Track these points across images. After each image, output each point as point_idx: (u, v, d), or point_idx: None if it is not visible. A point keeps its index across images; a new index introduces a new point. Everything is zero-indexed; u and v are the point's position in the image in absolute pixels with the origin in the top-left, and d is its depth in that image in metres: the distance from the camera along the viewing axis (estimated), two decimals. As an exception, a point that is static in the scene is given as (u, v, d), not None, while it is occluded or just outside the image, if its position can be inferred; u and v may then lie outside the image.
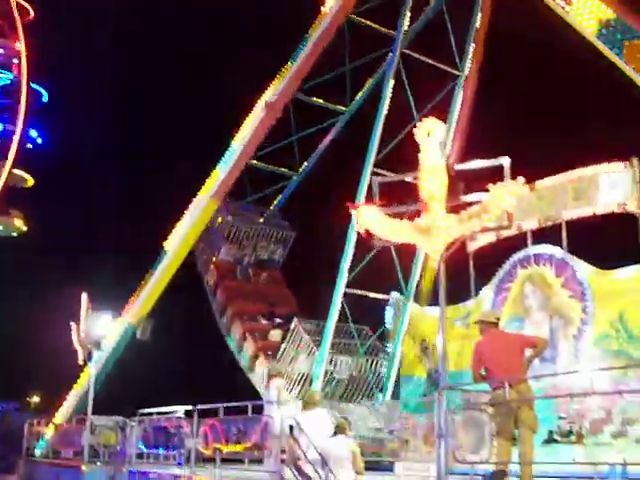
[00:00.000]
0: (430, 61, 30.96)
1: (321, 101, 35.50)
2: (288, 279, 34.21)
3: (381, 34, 33.47)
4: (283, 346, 27.84)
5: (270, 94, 32.46)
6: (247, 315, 30.10)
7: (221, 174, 32.33)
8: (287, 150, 35.28)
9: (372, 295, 29.91)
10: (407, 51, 30.47)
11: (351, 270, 28.42)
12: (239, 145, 32.36)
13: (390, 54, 31.75)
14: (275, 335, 28.62)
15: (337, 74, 34.51)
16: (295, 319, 26.61)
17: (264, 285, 32.15)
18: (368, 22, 33.37)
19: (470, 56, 31.89)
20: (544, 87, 29.08)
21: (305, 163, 36.28)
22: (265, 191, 35.59)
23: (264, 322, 30.06)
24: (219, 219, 33.32)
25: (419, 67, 30.54)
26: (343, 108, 35.91)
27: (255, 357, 29.02)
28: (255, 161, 34.55)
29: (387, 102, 30.23)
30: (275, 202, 36.27)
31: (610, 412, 16.89)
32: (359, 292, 29.06)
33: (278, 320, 29.75)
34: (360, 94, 35.82)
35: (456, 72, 31.57)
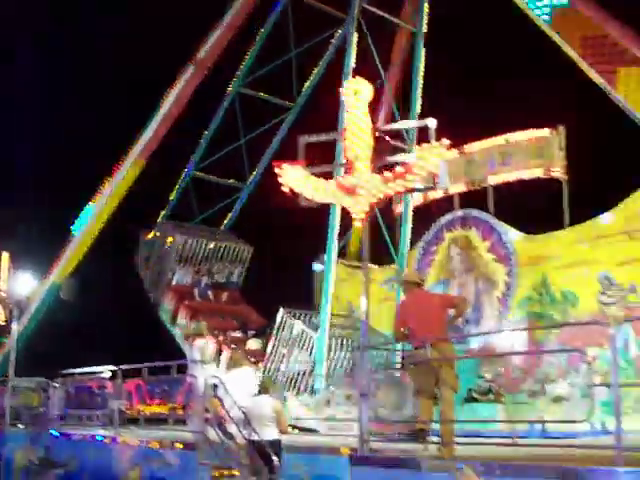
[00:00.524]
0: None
1: (266, 95, 32.85)
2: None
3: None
4: (271, 345, 25.81)
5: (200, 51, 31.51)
6: (217, 330, 28.46)
7: (147, 134, 31.63)
8: (235, 158, 32.91)
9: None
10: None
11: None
12: (166, 105, 31.65)
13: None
14: (253, 343, 26.76)
15: (283, 62, 31.74)
16: (281, 309, 25.14)
17: (227, 304, 30.52)
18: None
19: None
20: (481, 50, 28.98)
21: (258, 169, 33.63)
22: (214, 208, 33.13)
23: (238, 335, 28.92)
24: (169, 240, 31.30)
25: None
26: (290, 103, 32.96)
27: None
28: (200, 173, 32.81)
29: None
30: (226, 220, 33.79)
31: (529, 372, 17.19)
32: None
33: (252, 332, 28.51)
34: (308, 84, 32.70)
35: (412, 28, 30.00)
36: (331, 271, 24.46)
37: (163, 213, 32.76)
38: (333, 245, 25.24)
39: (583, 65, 14.75)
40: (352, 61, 25.66)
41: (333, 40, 31.24)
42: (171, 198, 33.08)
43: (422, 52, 28.43)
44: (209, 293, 30.01)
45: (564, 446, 10.67)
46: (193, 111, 32.31)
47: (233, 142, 32.25)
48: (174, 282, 30.10)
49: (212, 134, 32.64)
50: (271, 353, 24.34)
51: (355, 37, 26.20)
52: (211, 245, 31.21)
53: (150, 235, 31.80)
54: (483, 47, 28.55)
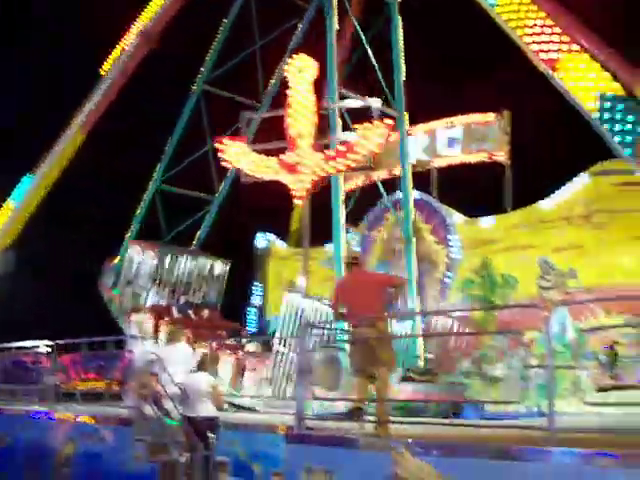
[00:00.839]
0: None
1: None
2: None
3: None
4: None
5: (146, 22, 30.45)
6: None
7: (89, 106, 30.75)
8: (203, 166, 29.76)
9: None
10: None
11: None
12: (109, 75, 30.71)
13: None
14: (251, 346, 25.80)
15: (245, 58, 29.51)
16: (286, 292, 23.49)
17: (209, 320, 28.90)
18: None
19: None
20: (431, 33, 28.97)
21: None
22: (184, 225, 30.38)
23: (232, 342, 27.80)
24: (139, 260, 29.13)
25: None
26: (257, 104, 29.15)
27: None
28: (166, 185, 30.09)
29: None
30: (197, 238, 31.24)
31: (467, 353, 17.33)
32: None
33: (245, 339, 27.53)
34: (274, 80, 29.75)
35: None
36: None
37: (129, 234, 30.34)
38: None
39: (527, 51, 14.84)
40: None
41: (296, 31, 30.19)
42: (137, 214, 30.51)
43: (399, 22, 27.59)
44: (189, 312, 28.37)
45: (499, 427, 10.77)
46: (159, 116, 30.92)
47: (200, 148, 29.15)
48: (149, 303, 27.89)
49: (177, 140, 29.95)
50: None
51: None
52: (186, 263, 29.49)
53: (116, 260, 29.79)
54: (432, 30, 28.59)
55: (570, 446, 7.67)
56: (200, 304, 28.24)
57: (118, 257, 29.68)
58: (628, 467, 6.96)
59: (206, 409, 12.26)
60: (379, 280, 11.37)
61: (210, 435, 12.13)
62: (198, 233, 30.74)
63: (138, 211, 30.17)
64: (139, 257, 28.74)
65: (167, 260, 28.95)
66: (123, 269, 28.88)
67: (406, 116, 23.72)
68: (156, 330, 22.04)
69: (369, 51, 21.98)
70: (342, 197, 24.60)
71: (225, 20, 30.12)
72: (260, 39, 29.19)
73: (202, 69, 29.94)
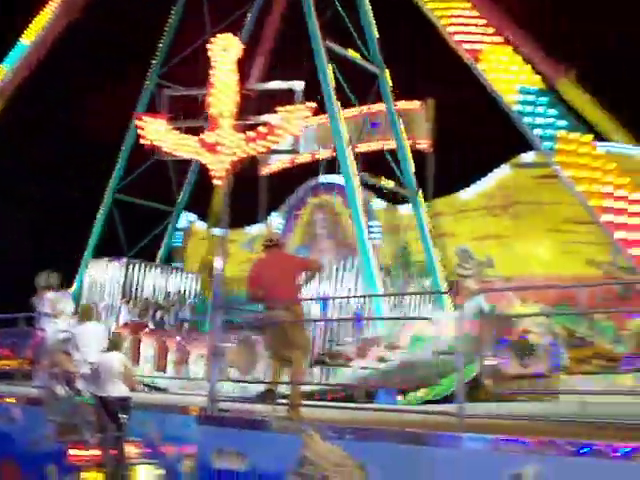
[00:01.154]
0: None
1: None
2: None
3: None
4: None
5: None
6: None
7: (7, 72, 29.40)
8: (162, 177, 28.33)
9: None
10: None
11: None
12: (31, 41, 29.31)
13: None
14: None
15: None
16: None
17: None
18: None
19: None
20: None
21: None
22: (147, 238, 29.01)
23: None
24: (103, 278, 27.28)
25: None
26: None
27: None
28: (121, 194, 28.87)
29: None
30: (160, 251, 29.96)
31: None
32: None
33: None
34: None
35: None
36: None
37: (87, 251, 28.95)
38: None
39: (451, 41, 14.95)
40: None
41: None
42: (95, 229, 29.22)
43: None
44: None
45: (410, 411, 10.87)
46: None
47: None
48: (121, 321, 26.28)
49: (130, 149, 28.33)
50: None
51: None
52: (155, 279, 27.94)
53: (72, 288, 27.41)
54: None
55: (479, 432, 7.76)
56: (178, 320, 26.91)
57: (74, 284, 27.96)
58: (536, 453, 7.07)
59: (118, 389, 12.11)
60: (296, 263, 11.31)
61: (122, 416, 11.99)
62: (161, 248, 29.64)
63: (94, 226, 28.92)
64: (103, 275, 26.99)
65: (136, 276, 27.41)
66: (85, 290, 27.20)
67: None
68: (137, 347, 21.55)
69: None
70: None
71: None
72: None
73: (154, 62, 28.99)
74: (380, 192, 24.83)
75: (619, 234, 10.44)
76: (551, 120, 12.48)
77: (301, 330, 10.67)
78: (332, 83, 20.73)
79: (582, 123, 17.55)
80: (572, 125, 12.43)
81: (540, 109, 12.65)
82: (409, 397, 15.26)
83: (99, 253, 28.09)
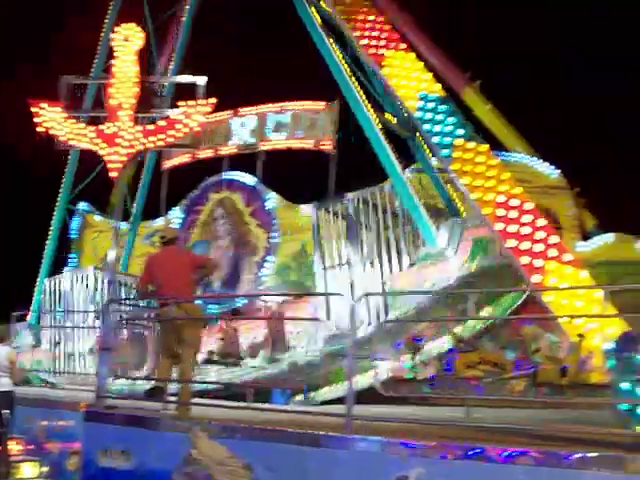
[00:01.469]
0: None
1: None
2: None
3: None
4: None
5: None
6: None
7: None
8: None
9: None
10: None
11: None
12: None
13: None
14: None
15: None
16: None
17: None
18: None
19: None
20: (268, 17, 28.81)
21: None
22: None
23: None
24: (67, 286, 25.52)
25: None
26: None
27: None
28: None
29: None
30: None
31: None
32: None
33: None
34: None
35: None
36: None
37: (40, 272, 27.91)
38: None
39: (356, 45, 15.01)
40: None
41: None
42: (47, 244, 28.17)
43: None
44: None
45: (301, 412, 10.90)
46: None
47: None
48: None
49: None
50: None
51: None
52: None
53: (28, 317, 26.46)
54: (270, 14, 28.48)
55: (368, 434, 7.82)
56: None
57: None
58: (423, 456, 7.16)
59: (2, 383, 11.81)
60: (190, 260, 11.21)
61: (4, 411, 11.68)
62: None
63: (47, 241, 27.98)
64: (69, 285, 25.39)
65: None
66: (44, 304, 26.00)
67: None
68: None
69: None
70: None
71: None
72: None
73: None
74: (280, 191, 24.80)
75: (510, 243, 10.66)
76: (450, 128, 12.66)
77: (193, 328, 10.58)
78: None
79: (482, 132, 17.91)
80: (470, 134, 12.64)
81: (439, 117, 12.81)
82: (305, 397, 15.29)
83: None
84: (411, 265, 14.63)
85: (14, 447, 12.21)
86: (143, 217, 26.77)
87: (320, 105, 25.46)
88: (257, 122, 25.67)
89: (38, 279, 27.94)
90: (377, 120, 18.61)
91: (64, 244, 28.46)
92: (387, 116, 22.69)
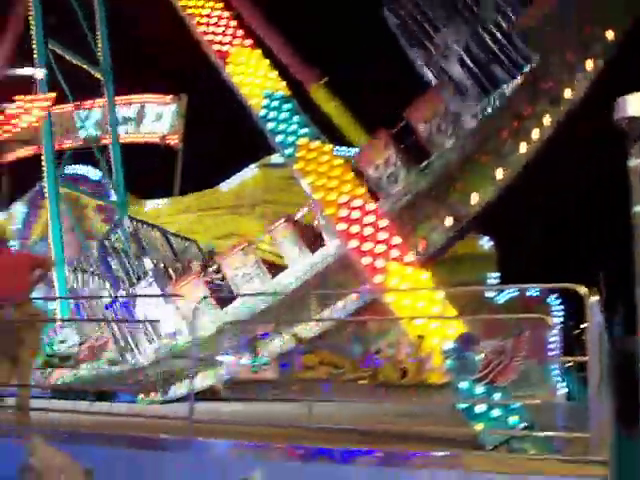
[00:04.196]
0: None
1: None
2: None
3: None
4: None
5: None
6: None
7: None
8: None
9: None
10: None
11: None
12: None
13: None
14: None
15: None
16: None
17: None
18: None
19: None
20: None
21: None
22: None
23: None
24: None
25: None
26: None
27: None
28: None
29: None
30: None
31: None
32: None
33: None
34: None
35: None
36: None
37: None
38: None
39: (201, 39, 14.86)
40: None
41: None
42: None
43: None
44: None
45: (143, 416, 10.77)
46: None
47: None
48: None
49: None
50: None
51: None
52: None
53: None
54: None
55: (209, 436, 7.82)
56: None
57: None
58: (265, 458, 7.21)
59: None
60: (24, 260, 10.87)
61: None
62: None
63: None
64: None
65: None
66: None
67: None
68: None
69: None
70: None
71: None
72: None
73: None
74: None
75: (353, 243, 10.82)
76: (294, 127, 12.71)
77: (31, 330, 10.28)
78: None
79: (329, 130, 18.03)
80: (314, 133, 12.74)
81: (284, 115, 12.86)
82: (149, 398, 15.12)
83: None
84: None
85: None
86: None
87: (166, 98, 25.24)
88: (102, 115, 25.14)
89: None
90: None
91: None
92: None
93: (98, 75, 22.54)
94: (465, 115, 13.84)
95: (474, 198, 13.59)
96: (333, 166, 11.78)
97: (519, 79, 13.55)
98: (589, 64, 13.26)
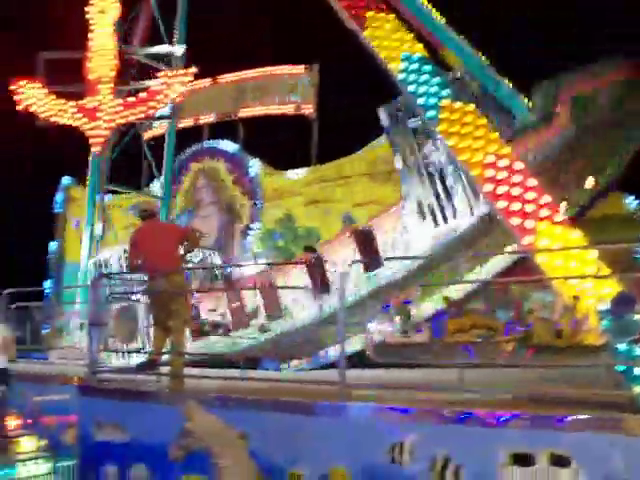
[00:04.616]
0: None
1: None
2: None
3: None
4: None
5: None
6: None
7: None
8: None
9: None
10: None
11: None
12: None
13: None
14: None
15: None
16: None
17: None
18: None
19: None
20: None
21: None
22: None
23: None
24: None
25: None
26: None
27: None
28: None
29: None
30: None
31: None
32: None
33: None
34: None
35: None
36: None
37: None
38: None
39: (337, 6, 14.80)
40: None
41: None
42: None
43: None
44: None
45: (294, 381, 10.91)
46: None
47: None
48: None
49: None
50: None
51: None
52: None
53: None
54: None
55: (361, 401, 7.82)
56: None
57: None
58: (417, 422, 7.17)
59: (-2, 360, 11.78)
60: (173, 232, 11.14)
61: (0, 387, 11.66)
62: None
63: None
64: None
65: None
66: None
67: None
68: None
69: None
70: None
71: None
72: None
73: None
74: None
75: (500, 204, 10.59)
76: (435, 89, 12.52)
77: (181, 300, 10.54)
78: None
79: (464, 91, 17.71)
80: (456, 94, 12.52)
81: (424, 77, 12.67)
82: (295, 364, 15.30)
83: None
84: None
85: (12, 422, 12.20)
86: (123, 188, 26.41)
87: (300, 69, 25.28)
88: (236, 89, 25.43)
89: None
90: None
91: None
92: None
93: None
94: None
95: (617, 157, 13.19)
96: (477, 126, 11.55)
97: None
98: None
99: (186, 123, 25.76)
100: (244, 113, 25.31)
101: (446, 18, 18.41)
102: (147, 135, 26.93)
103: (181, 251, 10.68)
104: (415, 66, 12.82)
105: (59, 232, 28.31)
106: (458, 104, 12.09)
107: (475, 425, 6.84)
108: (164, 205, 23.27)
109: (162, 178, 26.19)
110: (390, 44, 13.33)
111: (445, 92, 12.33)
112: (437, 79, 12.59)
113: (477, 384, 8.52)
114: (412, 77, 12.69)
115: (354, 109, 26.12)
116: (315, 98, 25.16)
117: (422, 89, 12.49)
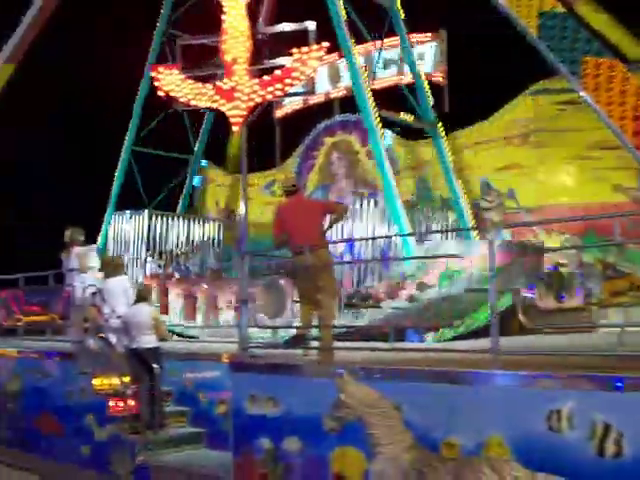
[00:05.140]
0: None
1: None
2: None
3: None
4: None
5: None
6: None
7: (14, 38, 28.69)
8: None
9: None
10: None
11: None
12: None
13: None
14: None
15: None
16: None
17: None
18: None
19: None
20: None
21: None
22: (166, 189, 28.14)
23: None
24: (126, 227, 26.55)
25: None
26: None
27: None
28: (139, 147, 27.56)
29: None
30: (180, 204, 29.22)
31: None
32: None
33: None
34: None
35: None
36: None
37: (109, 206, 27.65)
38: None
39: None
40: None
41: None
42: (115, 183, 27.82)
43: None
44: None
45: (442, 350, 10.89)
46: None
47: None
48: (148, 273, 25.27)
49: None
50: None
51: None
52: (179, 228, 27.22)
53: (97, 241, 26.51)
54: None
55: (515, 369, 7.73)
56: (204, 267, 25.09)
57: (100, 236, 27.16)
58: (570, 388, 7.04)
59: (148, 340, 12.21)
60: (319, 207, 11.25)
61: (154, 366, 12.09)
62: (181, 197, 29.11)
63: (115, 179, 27.82)
64: (127, 228, 26.32)
65: (159, 227, 26.64)
66: (109, 244, 26.59)
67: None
68: (165, 297, 21.52)
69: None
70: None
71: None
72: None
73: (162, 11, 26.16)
74: (398, 127, 24.49)
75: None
76: (576, 44, 12.14)
77: (328, 273, 10.65)
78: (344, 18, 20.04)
79: (605, 45, 17.14)
80: (598, 49, 12.11)
81: (564, 33, 12.31)
82: (438, 334, 15.25)
83: (121, 207, 27.26)
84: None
85: (165, 399, 12.68)
86: (257, 167, 26.78)
87: (427, 36, 25.00)
88: (364, 61, 25.30)
89: (103, 223, 27.60)
90: None
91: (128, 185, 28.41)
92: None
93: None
94: None
95: None
96: (623, 79, 11.16)
97: None
98: None
99: (317, 99, 25.94)
100: (373, 85, 25.15)
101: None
102: (279, 113, 27.26)
103: (326, 225, 10.79)
104: (553, 22, 12.46)
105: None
106: (602, 58, 11.70)
107: (636, 391, 6.66)
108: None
109: (296, 155, 26.53)
110: (527, 2, 13.02)
111: (587, 47, 11.94)
112: (578, 34, 12.20)
113: (638, 347, 8.27)
114: (548, 33, 12.35)
115: (486, 73, 25.73)
116: (444, 65, 24.84)
117: (563, 45, 12.13)
